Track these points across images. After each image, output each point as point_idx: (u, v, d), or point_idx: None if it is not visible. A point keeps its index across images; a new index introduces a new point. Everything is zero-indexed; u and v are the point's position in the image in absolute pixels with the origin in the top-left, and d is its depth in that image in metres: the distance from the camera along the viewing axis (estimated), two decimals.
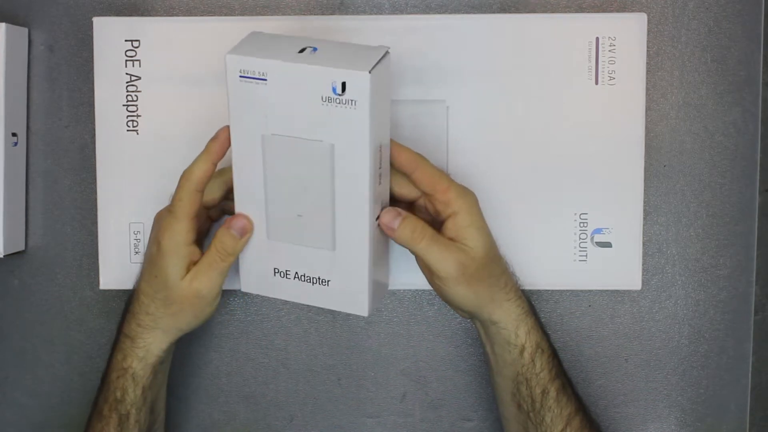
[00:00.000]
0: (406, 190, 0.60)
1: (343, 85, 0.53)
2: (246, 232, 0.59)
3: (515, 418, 0.63)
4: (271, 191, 0.58)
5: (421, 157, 0.59)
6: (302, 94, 0.54)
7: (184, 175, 0.58)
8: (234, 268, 0.61)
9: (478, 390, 0.71)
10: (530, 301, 0.63)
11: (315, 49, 0.55)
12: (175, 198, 0.59)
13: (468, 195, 0.59)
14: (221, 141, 0.58)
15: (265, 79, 0.54)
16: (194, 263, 0.60)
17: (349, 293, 0.60)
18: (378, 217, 0.58)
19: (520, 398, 0.62)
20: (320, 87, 0.53)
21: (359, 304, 0.60)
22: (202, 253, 0.60)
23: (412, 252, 0.59)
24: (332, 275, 0.60)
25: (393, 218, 0.58)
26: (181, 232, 0.59)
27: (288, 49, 0.55)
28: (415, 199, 0.61)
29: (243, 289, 0.62)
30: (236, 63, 0.54)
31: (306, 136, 0.55)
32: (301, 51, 0.54)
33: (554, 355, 0.63)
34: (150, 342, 0.61)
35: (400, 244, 0.59)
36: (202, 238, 0.64)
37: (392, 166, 0.59)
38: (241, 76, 0.55)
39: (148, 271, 0.61)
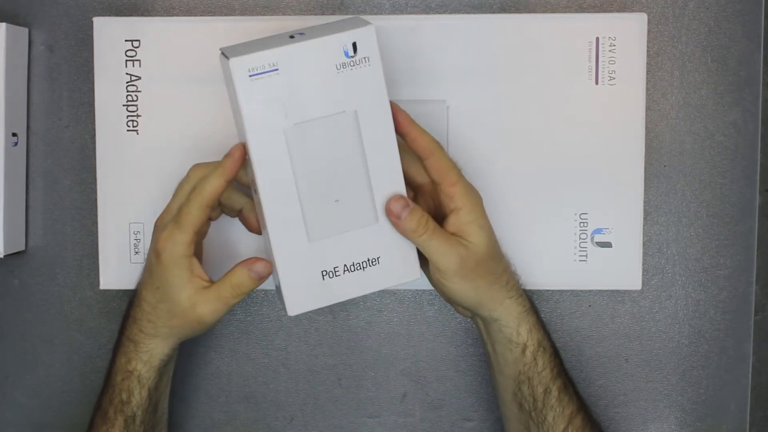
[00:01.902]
0: (414, 170, 0.61)
1: (354, 45, 0.55)
2: (264, 277, 0.59)
3: (516, 418, 0.63)
4: (304, 186, 0.57)
5: (438, 146, 0.59)
6: (317, 68, 0.55)
7: (197, 189, 0.58)
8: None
9: (479, 390, 0.71)
10: (532, 300, 0.63)
11: (302, 33, 0.56)
12: (183, 210, 0.58)
13: (473, 193, 0.60)
14: (236, 159, 0.57)
15: (277, 69, 0.55)
16: (196, 276, 0.59)
17: (399, 262, 0.60)
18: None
19: (522, 397, 0.62)
20: (333, 55, 0.55)
21: (411, 269, 0.60)
22: (200, 255, 0.60)
23: (414, 242, 0.59)
24: (380, 250, 0.60)
25: (402, 208, 0.58)
26: (184, 244, 0.58)
27: (279, 40, 0.56)
28: (424, 184, 0.61)
29: (290, 314, 0.59)
30: (243, 64, 0.54)
31: (328, 113, 0.56)
32: (291, 38, 0.56)
33: (556, 354, 0.63)
34: (153, 347, 0.61)
35: (403, 234, 0.59)
36: (200, 243, 0.64)
37: (409, 148, 0.60)
38: (251, 75, 0.55)
39: (150, 281, 0.60)
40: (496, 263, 0.61)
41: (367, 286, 0.60)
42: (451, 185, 0.59)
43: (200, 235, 0.61)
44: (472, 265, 0.59)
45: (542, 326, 0.63)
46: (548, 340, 0.63)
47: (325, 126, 0.56)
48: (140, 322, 0.61)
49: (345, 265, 0.59)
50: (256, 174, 0.57)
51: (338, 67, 0.55)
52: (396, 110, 0.59)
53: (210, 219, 0.65)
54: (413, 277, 0.61)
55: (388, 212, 0.58)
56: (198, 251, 0.62)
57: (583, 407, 0.63)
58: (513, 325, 0.61)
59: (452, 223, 0.59)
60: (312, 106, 0.56)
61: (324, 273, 0.59)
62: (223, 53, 0.56)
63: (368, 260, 0.60)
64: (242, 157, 0.57)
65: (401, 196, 0.59)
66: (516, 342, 0.61)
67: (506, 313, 0.61)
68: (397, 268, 0.60)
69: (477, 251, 0.59)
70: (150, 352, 0.61)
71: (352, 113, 0.56)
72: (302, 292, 0.59)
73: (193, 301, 0.59)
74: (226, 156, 0.58)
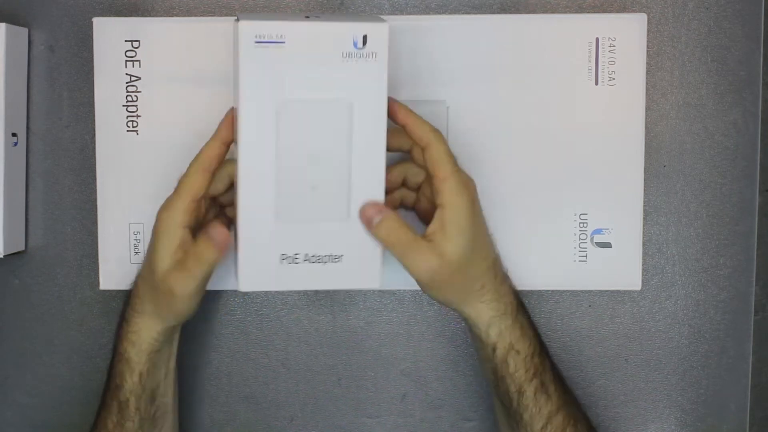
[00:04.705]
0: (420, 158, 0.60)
1: (365, 38, 0.55)
2: (221, 243, 0.57)
3: (500, 411, 0.64)
4: (284, 164, 0.57)
5: (436, 136, 0.58)
6: (322, 51, 0.55)
7: (195, 157, 0.58)
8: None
9: (478, 390, 0.71)
10: (515, 304, 0.62)
11: (318, 16, 0.56)
12: (182, 178, 0.58)
13: (462, 193, 0.58)
14: (231, 120, 0.57)
15: (283, 41, 0.55)
16: (180, 248, 0.58)
17: (361, 266, 0.60)
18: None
19: (500, 394, 0.62)
20: (341, 43, 0.55)
21: (372, 277, 0.60)
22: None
23: (387, 250, 0.58)
24: (344, 249, 0.59)
25: (375, 213, 0.57)
26: (179, 210, 0.58)
27: (294, 17, 0.56)
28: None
29: (241, 289, 0.59)
30: (251, 28, 0.54)
31: (325, 96, 0.56)
32: (307, 17, 0.56)
33: (533, 356, 0.62)
34: (140, 327, 0.61)
35: (376, 240, 0.58)
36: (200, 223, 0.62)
37: (409, 136, 0.60)
38: (257, 42, 0.54)
39: (147, 254, 0.61)
40: (471, 268, 0.59)
41: (323, 283, 0.60)
42: (440, 180, 0.58)
43: (201, 210, 0.59)
44: (445, 276, 0.58)
45: (519, 328, 0.61)
46: (525, 343, 0.61)
47: (318, 109, 0.56)
48: (132, 299, 0.62)
49: (306, 254, 0.59)
50: (239, 140, 0.56)
51: (344, 55, 0.55)
52: (392, 102, 0.58)
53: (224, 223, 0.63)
54: (372, 286, 0.60)
55: (361, 215, 0.58)
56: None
57: (565, 404, 0.62)
58: (483, 327, 0.61)
59: (436, 219, 0.58)
60: (310, 87, 0.56)
61: (283, 256, 0.58)
62: (236, 18, 0.56)
63: (330, 255, 0.59)
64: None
65: (376, 203, 0.58)
66: (485, 342, 0.61)
67: (475, 315, 0.61)
68: (357, 271, 0.60)
69: (451, 260, 0.57)
70: (137, 332, 0.61)
71: (347, 103, 0.56)
72: (258, 271, 0.59)
73: (168, 273, 0.58)
74: (222, 121, 0.58)
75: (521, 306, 0.63)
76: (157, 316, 0.61)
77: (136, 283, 0.62)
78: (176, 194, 0.58)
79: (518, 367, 0.61)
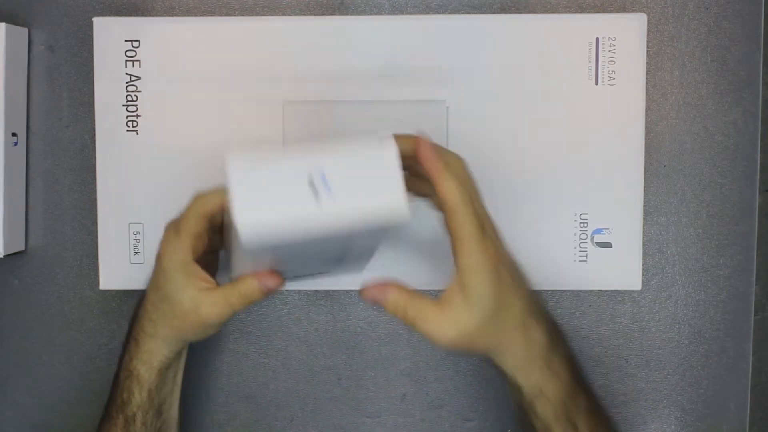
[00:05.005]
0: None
1: (382, 227, 0.50)
2: (273, 290, 0.58)
3: None
4: (276, 263, 0.56)
5: (462, 201, 0.53)
6: (328, 236, 0.50)
7: (198, 200, 0.57)
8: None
9: (479, 390, 0.71)
10: (548, 344, 0.58)
11: (324, 180, 0.48)
12: (181, 216, 0.58)
13: (485, 260, 0.54)
14: None
15: (287, 241, 0.49)
16: (198, 278, 0.58)
17: (346, 275, 0.63)
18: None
19: (525, 426, 0.60)
20: (351, 230, 0.50)
21: (356, 276, 0.62)
22: (204, 265, 0.59)
23: None
24: (332, 270, 0.61)
25: (378, 293, 0.56)
26: (182, 250, 0.58)
27: (296, 189, 0.48)
28: None
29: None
30: (252, 237, 0.48)
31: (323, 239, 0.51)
32: (311, 185, 0.48)
33: (563, 400, 0.58)
34: (152, 348, 0.61)
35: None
36: (205, 252, 0.61)
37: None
38: (259, 240, 0.49)
39: (153, 281, 0.60)
40: (496, 330, 0.56)
41: (311, 284, 0.66)
42: (461, 244, 0.54)
43: (202, 243, 0.59)
44: (464, 343, 0.55)
45: (548, 369, 0.58)
46: (554, 383, 0.58)
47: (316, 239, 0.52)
48: (142, 322, 0.61)
49: (296, 275, 0.61)
50: (232, 255, 0.55)
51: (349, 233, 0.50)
52: (423, 146, 0.53)
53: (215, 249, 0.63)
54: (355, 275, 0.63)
55: (366, 298, 0.57)
56: (211, 262, 0.62)
57: None
58: (508, 371, 0.58)
59: (455, 284, 0.55)
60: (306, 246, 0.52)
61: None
62: (232, 197, 0.48)
63: (318, 272, 0.62)
64: None
65: (376, 283, 0.56)
66: (511, 383, 0.59)
67: (500, 362, 0.58)
68: (343, 276, 0.63)
69: (469, 329, 0.55)
70: (150, 352, 0.61)
71: (343, 241, 0.52)
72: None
73: (197, 302, 0.58)
74: None
75: (556, 342, 0.59)
76: (173, 338, 0.61)
77: (145, 308, 0.61)
78: (176, 233, 0.57)
79: (546, 410, 0.58)
